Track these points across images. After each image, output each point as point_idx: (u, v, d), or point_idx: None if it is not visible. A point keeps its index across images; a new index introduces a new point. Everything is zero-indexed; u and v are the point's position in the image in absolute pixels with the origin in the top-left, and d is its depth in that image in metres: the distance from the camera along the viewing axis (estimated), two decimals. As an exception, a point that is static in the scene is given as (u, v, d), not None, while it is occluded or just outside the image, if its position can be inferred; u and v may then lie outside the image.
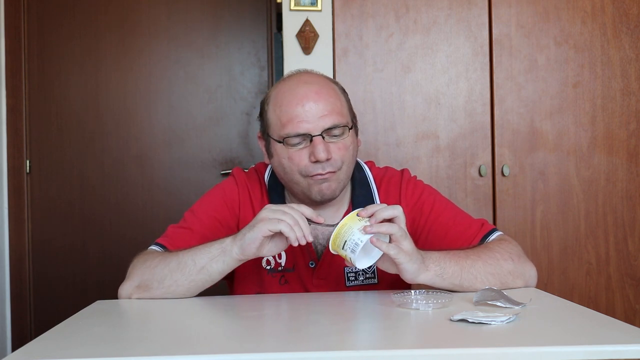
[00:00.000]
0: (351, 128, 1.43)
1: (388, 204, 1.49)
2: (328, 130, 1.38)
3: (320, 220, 1.27)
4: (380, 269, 1.28)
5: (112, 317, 1.22)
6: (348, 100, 1.48)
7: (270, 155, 1.45)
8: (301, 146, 1.38)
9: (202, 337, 1.03)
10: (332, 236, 1.22)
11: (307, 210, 1.26)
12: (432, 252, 1.28)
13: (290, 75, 1.48)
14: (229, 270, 1.31)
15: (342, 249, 1.21)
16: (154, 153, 3.11)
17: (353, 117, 1.47)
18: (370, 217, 1.21)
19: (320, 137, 1.37)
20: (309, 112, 1.37)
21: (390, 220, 1.22)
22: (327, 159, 1.37)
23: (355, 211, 1.23)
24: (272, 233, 1.23)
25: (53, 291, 3.04)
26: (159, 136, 3.12)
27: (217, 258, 1.28)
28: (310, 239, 1.24)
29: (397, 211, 1.22)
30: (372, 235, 1.18)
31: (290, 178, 1.41)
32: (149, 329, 1.13)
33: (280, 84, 1.46)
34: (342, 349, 0.95)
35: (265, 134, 1.46)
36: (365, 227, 1.19)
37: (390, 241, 1.21)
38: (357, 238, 1.19)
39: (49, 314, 2.97)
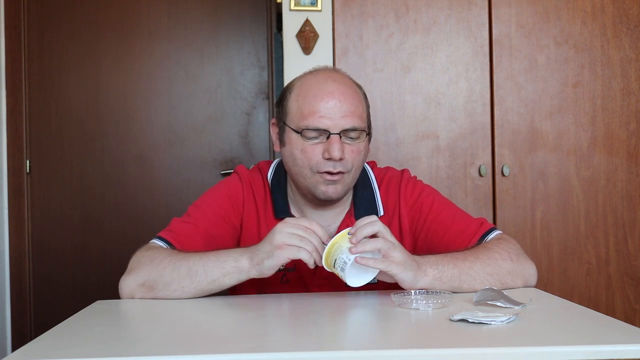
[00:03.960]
0: (367, 134, 1.44)
1: (388, 205, 1.50)
2: (346, 131, 1.39)
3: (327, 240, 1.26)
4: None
5: (112, 317, 1.22)
6: (368, 107, 1.48)
7: (282, 143, 1.45)
8: (317, 141, 1.39)
9: (202, 337, 1.03)
10: (324, 254, 1.22)
11: (320, 231, 1.25)
12: (429, 256, 1.28)
13: (318, 70, 1.48)
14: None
15: (334, 267, 1.21)
16: (154, 153, 3.11)
17: (369, 124, 1.48)
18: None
19: (338, 136, 1.38)
20: (332, 109, 1.38)
21: (375, 236, 1.21)
22: (340, 159, 1.38)
23: (346, 230, 1.22)
24: (290, 260, 1.24)
25: (53, 291, 3.04)
26: (159, 136, 3.12)
27: (231, 275, 1.28)
28: None
29: (376, 227, 1.21)
30: (356, 255, 1.18)
31: (299, 171, 1.42)
32: (149, 329, 1.13)
33: (307, 75, 1.46)
34: (342, 349, 0.95)
35: (281, 122, 1.46)
36: (350, 248, 1.19)
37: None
38: (346, 257, 1.19)
39: (49, 314, 2.97)
